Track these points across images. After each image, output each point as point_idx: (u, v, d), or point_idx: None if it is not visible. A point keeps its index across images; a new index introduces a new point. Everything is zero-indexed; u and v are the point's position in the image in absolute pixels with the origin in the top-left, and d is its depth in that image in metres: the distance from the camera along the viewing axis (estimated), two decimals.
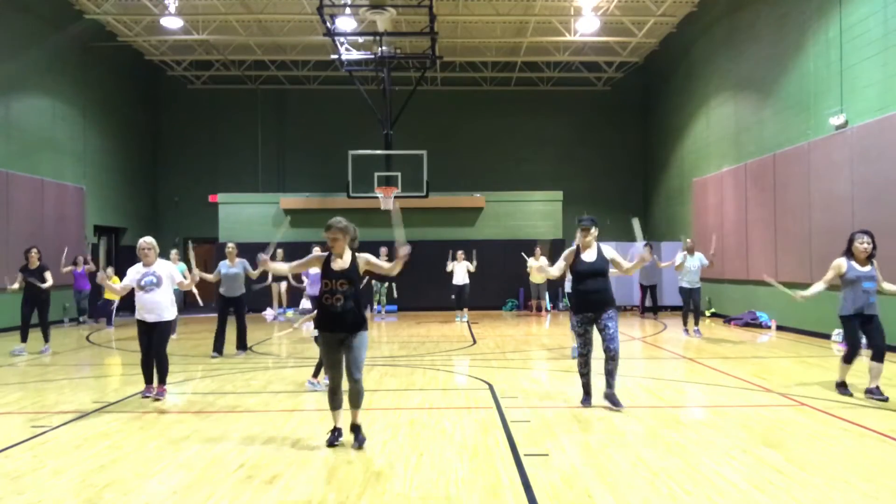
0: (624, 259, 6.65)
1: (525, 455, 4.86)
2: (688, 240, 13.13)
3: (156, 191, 22.57)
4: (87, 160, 18.10)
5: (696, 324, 12.61)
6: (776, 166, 13.51)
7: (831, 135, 11.67)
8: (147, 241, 7.11)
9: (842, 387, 7.06)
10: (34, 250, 10.92)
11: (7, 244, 14.12)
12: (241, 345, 10.54)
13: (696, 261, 12.45)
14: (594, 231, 6.46)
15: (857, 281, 6.82)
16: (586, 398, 6.50)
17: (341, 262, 5.14)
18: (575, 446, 5.09)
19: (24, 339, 10.81)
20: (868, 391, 6.85)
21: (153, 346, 7.02)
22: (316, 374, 7.51)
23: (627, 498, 3.99)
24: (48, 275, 10.93)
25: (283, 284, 17.18)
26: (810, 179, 12.27)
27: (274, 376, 8.51)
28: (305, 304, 18.31)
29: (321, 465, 4.70)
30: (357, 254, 5.24)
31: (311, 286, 13.01)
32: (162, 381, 7.14)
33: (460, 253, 16.20)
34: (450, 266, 16.05)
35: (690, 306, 12.54)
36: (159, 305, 6.93)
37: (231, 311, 10.48)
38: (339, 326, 5.08)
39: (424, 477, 4.42)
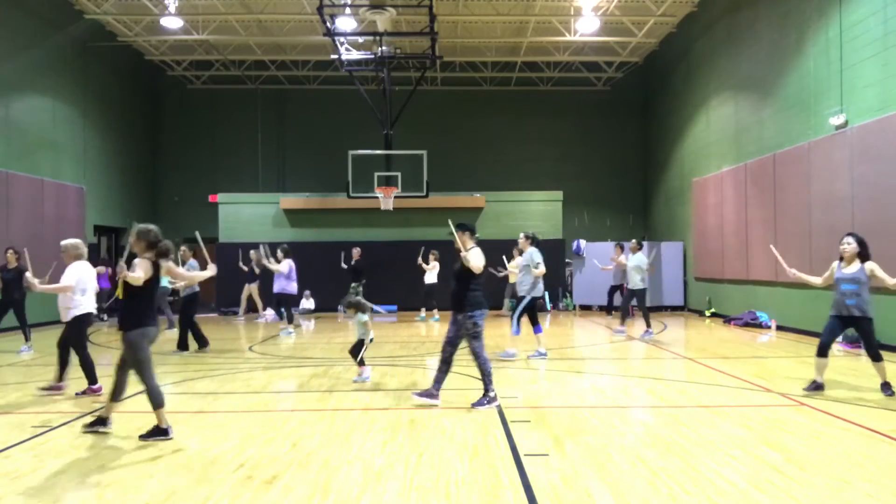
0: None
1: (525, 455, 4.86)
2: (633, 241, 13.28)
3: (156, 191, 22.57)
4: (87, 160, 18.09)
5: (622, 323, 12.91)
6: (776, 166, 13.51)
7: (831, 135, 11.66)
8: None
9: (813, 384, 7.09)
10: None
11: (7, 244, 14.07)
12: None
13: (634, 261, 12.50)
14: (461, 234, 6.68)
15: (837, 283, 7.00)
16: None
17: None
18: (575, 446, 5.09)
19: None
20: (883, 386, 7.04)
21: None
22: (361, 363, 7.93)
23: (627, 498, 3.99)
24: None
25: (255, 284, 16.29)
26: (810, 179, 12.26)
27: (274, 376, 8.51)
28: (305, 303, 18.36)
29: (321, 465, 4.70)
30: (161, 261, 5.63)
31: (289, 281, 13.02)
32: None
33: (433, 253, 16.10)
34: (428, 266, 16.02)
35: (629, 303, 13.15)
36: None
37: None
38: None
39: (424, 477, 4.42)
